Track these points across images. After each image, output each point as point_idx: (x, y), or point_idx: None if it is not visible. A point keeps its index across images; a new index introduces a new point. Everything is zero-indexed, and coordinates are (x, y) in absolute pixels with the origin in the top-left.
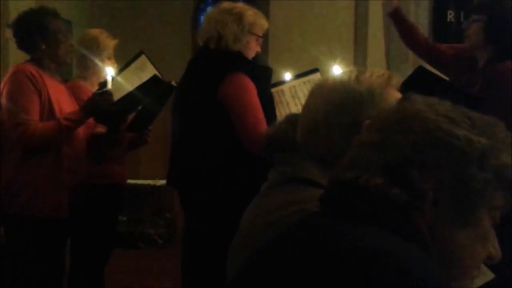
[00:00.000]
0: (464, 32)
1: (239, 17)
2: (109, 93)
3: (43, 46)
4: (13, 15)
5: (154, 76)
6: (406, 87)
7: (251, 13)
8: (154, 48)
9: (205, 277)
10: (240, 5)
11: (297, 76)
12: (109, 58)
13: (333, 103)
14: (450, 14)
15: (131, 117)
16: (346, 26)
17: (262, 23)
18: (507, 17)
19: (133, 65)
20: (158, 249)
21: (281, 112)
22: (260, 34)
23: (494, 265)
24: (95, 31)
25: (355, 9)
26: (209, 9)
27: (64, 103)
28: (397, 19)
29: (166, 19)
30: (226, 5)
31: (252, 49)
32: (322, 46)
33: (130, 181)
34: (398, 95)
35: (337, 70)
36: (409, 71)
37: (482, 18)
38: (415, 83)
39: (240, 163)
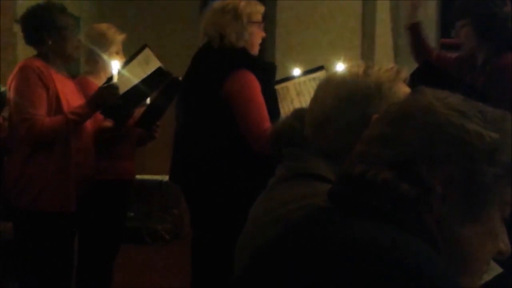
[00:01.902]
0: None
1: (234, 13)
2: (114, 87)
3: (50, 42)
4: (21, 11)
5: (159, 69)
6: (413, 81)
7: (244, 4)
8: (161, 44)
9: (213, 272)
10: (229, 0)
11: (303, 74)
12: (117, 53)
13: (341, 97)
14: None
15: (138, 112)
16: (353, 22)
17: (258, 8)
18: (491, 11)
19: (137, 59)
20: (165, 244)
21: (285, 109)
22: (260, 19)
23: (501, 261)
24: (103, 26)
25: (362, 6)
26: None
27: (72, 98)
28: (414, 33)
29: (173, 16)
30: (217, 5)
31: (257, 37)
32: (330, 42)
33: (137, 176)
34: (406, 89)
35: (341, 68)
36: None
37: (468, 22)
38: (421, 77)
39: (243, 160)
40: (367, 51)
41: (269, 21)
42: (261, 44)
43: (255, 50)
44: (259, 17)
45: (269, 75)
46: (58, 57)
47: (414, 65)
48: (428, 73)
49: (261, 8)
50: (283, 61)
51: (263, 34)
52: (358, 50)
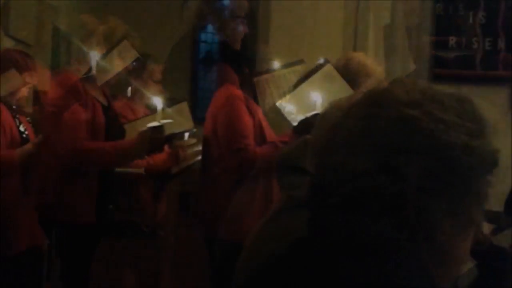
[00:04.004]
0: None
1: (219, 6)
2: (162, 130)
3: None
4: (13, 13)
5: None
6: None
7: None
8: (144, 35)
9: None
10: None
11: (282, 66)
12: (97, 44)
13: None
14: (439, 7)
15: None
16: (343, 19)
17: (241, 3)
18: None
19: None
20: (144, 238)
21: (264, 101)
22: (243, 14)
23: (488, 257)
24: (83, 17)
25: (356, 4)
26: None
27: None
28: None
29: (156, 7)
30: None
31: (239, 32)
32: (317, 39)
33: (117, 169)
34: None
35: (321, 61)
36: (397, 62)
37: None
38: None
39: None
40: (359, 50)
41: (254, 17)
42: (246, 40)
43: (237, 46)
44: (241, 13)
45: (248, 67)
46: None
47: (395, 59)
48: None
49: (245, 3)
50: (275, 55)
51: (245, 30)
52: (350, 48)
